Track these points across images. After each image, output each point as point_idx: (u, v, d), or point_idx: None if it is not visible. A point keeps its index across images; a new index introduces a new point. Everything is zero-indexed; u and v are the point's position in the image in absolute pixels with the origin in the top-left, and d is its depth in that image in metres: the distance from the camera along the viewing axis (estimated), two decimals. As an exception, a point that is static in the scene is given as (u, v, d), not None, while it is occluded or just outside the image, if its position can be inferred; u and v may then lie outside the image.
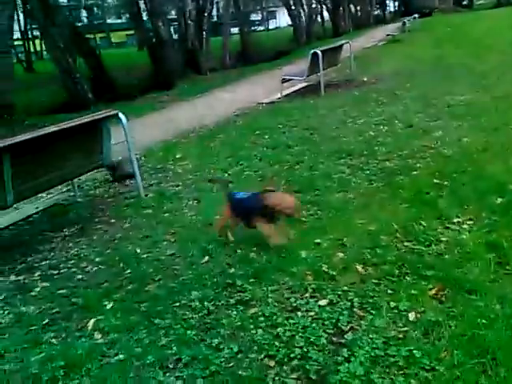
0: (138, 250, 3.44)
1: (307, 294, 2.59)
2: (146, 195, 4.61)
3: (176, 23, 17.34)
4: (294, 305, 2.51)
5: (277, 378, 2.05)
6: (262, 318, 2.44)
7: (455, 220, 3.18)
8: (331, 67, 9.95)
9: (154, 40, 13.70)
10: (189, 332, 2.41)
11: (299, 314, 2.44)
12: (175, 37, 17.13)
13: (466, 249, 2.80)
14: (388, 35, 19.49)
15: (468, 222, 3.14)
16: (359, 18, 33.95)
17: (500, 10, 28.89)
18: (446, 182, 3.77)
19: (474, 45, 12.20)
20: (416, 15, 26.09)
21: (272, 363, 2.14)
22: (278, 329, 2.34)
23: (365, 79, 9.62)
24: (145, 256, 3.35)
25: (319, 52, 8.65)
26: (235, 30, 23.15)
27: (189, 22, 15.07)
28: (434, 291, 2.45)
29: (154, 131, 7.34)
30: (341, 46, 10.13)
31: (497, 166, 3.97)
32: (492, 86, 7.22)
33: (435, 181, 3.84)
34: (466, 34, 15.71)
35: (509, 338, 2.08)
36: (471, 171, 3.96)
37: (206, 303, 2.63)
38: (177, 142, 6.56)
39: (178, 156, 5.80)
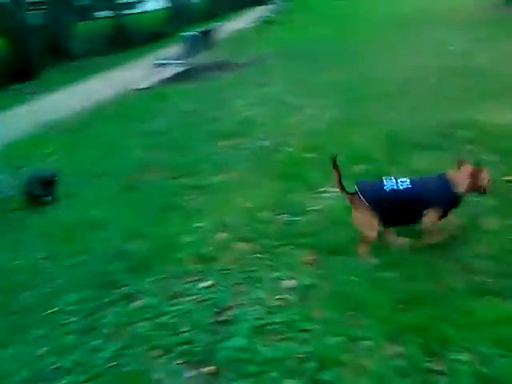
0: (7, 258, 3.13)
1: (190, 279, 2.60)
2: (12, 197, 4.18)
3: (41, 7, 15.61)
4: (178, 291, 2.51)
5: (163, 367, 2.04)
6: (147, 309, 2.40)
7: (323, 189, 3.42)
8: (206, 50, 9.94)
9: (14, 26, 12.21)
10: (68, 337, 2.28)
11: (183, 299, 2.44)
12: (40, 22, 15.44)
13: (334, 215, 3.04)
14: (264, 16, 19.87)
15: (335, 190, 3.39)
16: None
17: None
18: (314, 155, 4.03)
19: (348, 25, 12.77)
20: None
21: (158, 353, 2.12)
22: (163, 317, 2.32)
23: (240, 61, 9.76)
24: (15, 263, 3.07)
25: (194, 35, 8.57)
26: (107, 13, 21.65)
27: (55, 6, 13.72)
28: (306, 257, 2.63)
29: (17, 126, 6.63)
30: (216, 28, 10.16)
31: (359, 137, 4.35)
32: (357, 64, 7.80)
33: (306, 155, 4.09)
34: (343, 13, 16.26)
35: (372, 291, 2.31)
36: (337, 143, 4.28)
37: (85, 304, 2.50)
38: (44, 136, 6.02)
39: (45, 151, 5.34)
